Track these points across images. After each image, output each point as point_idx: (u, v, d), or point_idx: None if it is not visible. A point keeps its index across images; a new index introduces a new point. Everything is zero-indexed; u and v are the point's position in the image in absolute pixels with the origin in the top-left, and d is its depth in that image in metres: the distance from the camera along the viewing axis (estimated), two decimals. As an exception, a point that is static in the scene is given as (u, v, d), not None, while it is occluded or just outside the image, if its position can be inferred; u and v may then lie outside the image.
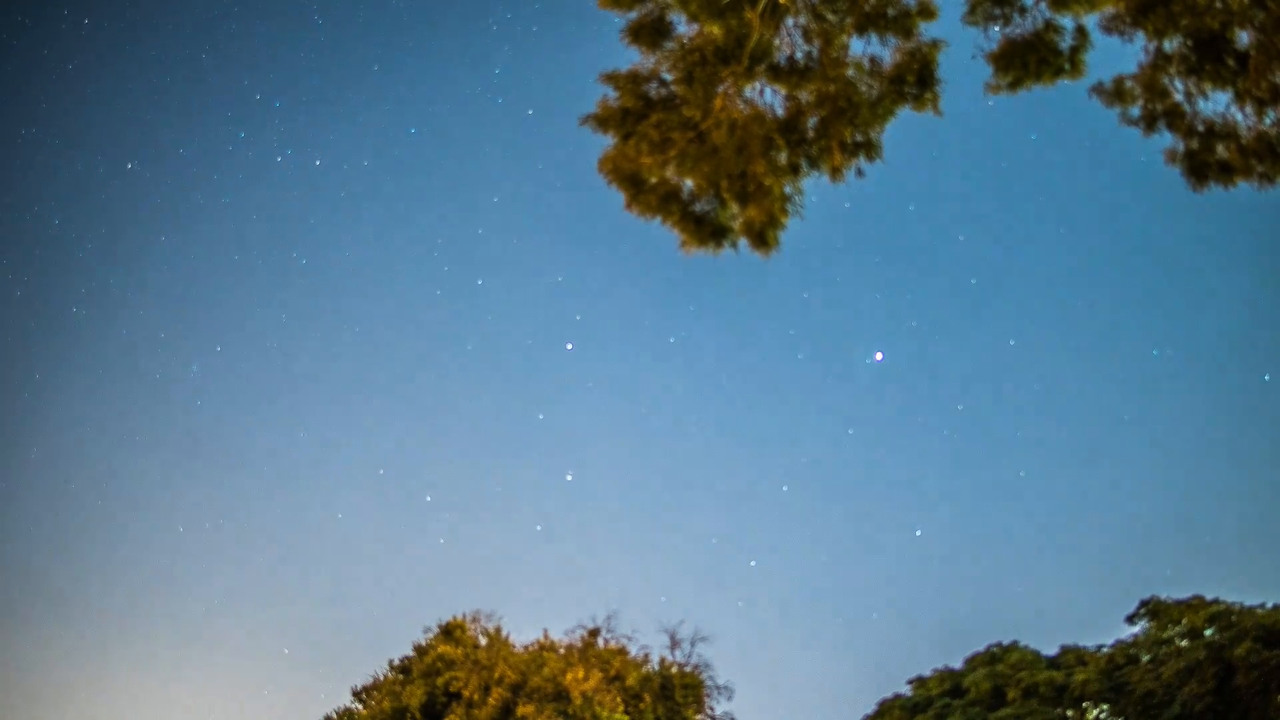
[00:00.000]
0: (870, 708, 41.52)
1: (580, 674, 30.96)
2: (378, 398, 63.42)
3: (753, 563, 59.41)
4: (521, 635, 34.69)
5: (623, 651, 33.58)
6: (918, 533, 58.62)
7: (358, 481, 62.87)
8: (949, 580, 57.36)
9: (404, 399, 64.11)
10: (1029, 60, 7.52)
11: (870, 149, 7.76)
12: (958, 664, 40.81)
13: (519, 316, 63.51)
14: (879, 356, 57.25)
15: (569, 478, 59.55)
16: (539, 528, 60.56)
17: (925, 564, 58.68)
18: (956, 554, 59.81)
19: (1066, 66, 7.58)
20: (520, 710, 30.32)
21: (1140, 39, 7.74)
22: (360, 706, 33.69)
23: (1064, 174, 58.70)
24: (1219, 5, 7.44)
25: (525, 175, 61.52)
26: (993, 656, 39.54)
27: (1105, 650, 37.78)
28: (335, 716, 33.88)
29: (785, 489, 61.89)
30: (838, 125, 7.65)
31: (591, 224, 61.28)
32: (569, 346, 59.53)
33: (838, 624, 58.26)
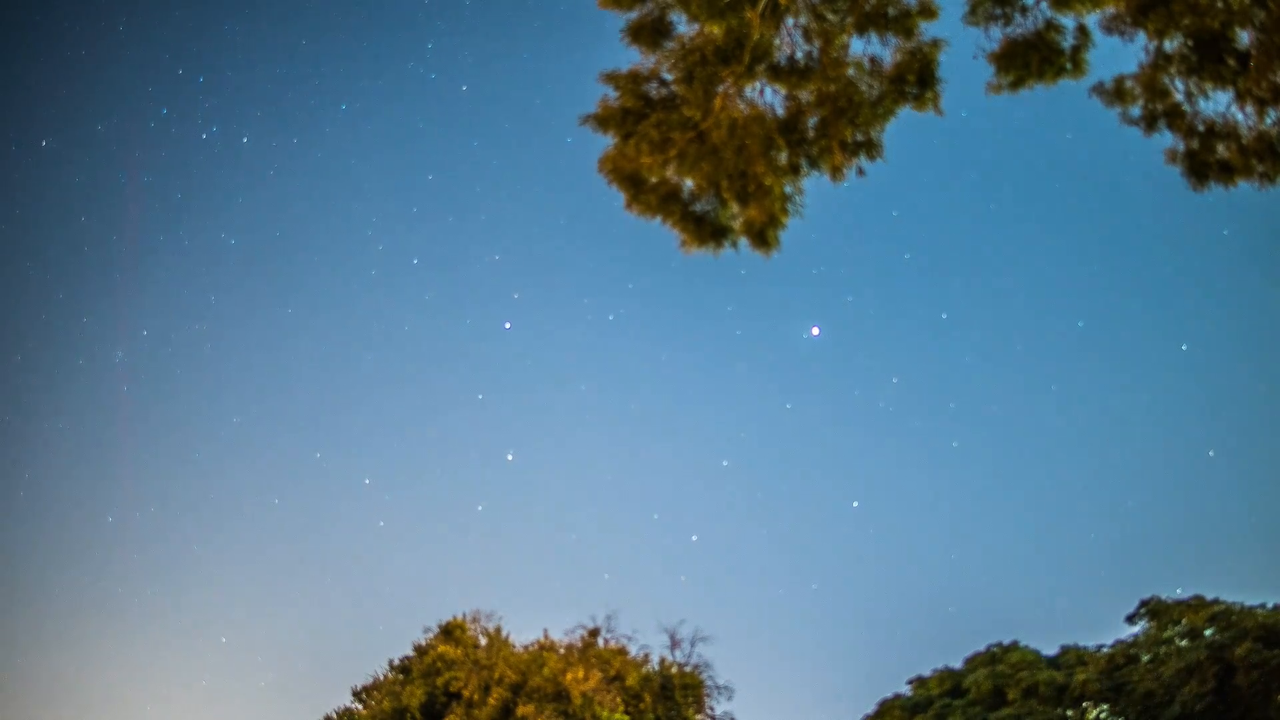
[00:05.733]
0: (870, 707, 41.61)
1: (580, 674, 30.97)
2: (312, 380, 61.77)
3: (694, 537, 59.12)
4: (521, 635, 34.77)
5: (623, 651, 33.61)
6: (855, 504, 58.67)
7: (294, 466, 61.34)
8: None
9: (339, 380, 62.92)
10: (1031, 60, 7.51)
11: (871, 148, 7.76)
12: (958, 664, 40.85)
13: (456, 295, 61.78)
14: (815, 331, 57.21)
15: (510, 458, 58.03)
16: (480, 508, 59.64)
17: (864, 536, 58.81)
18: (902, 528, 59.99)
19: (1068, 66, 7.57)
20: (520, 710, 30.32)
21: (1141, 39, 7.74)
22: (360, 706, 33.72)
23: (995, 149, 58.53)
24: (1219, 5, 7.44)
25: (460, 153, 59.34)
26: (993, 656, 39.54)
27: (1105, 650, 37.74)
28: (335, 716, 33.93)
29: (725, 464, 61.52)
30: (838, 125, 7.65)
31: (528, 202, 60.39)
32: (507, 325, 57.50)
33: (779, 597, 58.30)
